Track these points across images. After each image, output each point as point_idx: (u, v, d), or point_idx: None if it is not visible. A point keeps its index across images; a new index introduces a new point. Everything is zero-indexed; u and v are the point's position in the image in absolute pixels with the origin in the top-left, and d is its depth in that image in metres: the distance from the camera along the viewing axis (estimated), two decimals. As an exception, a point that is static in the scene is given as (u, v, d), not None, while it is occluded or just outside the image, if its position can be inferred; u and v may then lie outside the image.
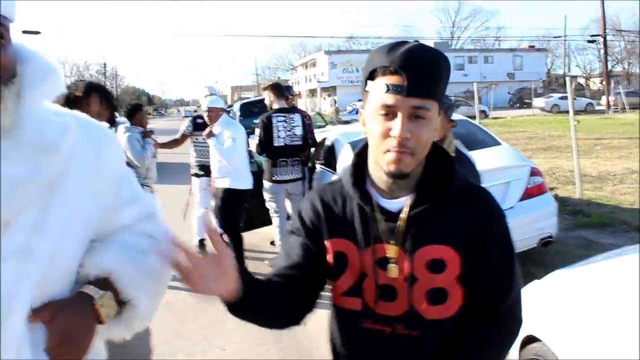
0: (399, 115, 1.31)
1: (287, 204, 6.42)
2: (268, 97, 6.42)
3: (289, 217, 6.47)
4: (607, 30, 38.25)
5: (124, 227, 1.37)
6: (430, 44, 67.86)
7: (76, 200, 1.23)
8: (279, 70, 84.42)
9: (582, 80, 67.79)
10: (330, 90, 55.61)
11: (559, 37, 65.46)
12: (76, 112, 1.36)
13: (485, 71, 53.80)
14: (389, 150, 1.34)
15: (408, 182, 1.42)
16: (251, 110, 18.36)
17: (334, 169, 6.29)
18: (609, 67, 38.17)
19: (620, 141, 16.34)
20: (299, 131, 6.30)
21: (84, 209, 1.26)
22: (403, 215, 1.41)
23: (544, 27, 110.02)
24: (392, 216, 1.43)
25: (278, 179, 6.20)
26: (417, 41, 1.38)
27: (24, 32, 31.30)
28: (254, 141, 6.55)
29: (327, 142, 6.90)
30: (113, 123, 4.78)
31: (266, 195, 6.33)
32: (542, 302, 2.91)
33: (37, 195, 1.16)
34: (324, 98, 55.54)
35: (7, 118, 1.13)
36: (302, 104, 52.70)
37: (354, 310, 1.48)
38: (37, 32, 33.36)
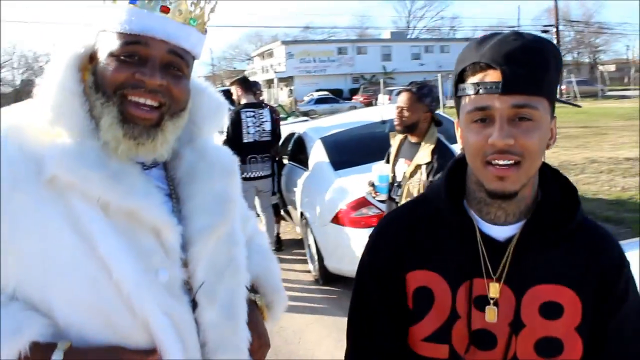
0: (497, 118, 1.06)
1: (256, 202, 6.27)
2: (235, 92, 6.24)
3: (258, 215, 6.33)
4: (558, 20, 39.01)
5: (249, 237, 1.49)
6: (387, 33, 68.18)
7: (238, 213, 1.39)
8: (235, 61, 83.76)
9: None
10: (287, 80, 55.37)
11: (512, 26, 66.64)
12: None
13: (441, 60, 54.12)
14: (489, 164, 1.08)
15: (517, 206, 1.15)
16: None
17: (304, 164, 6.15)
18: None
19: (576, 130, 16.62)
20: (268, 126, 6.15)
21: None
22: (512, 245, 1.15)
23: (497, 17, 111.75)
24: (497, 246, 1.16)
25: (248, 176, 6.03)
26: (514, 30, 1.15)
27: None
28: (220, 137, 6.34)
29: (296, 137, 6.73)
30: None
31: (235, 193, 6.13)
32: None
33: (231, 211, 1.32)
34: (281, 88, 55.35)
35: (166, 150, 1.20)
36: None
37: (438, 359, 1.19)
38: None
